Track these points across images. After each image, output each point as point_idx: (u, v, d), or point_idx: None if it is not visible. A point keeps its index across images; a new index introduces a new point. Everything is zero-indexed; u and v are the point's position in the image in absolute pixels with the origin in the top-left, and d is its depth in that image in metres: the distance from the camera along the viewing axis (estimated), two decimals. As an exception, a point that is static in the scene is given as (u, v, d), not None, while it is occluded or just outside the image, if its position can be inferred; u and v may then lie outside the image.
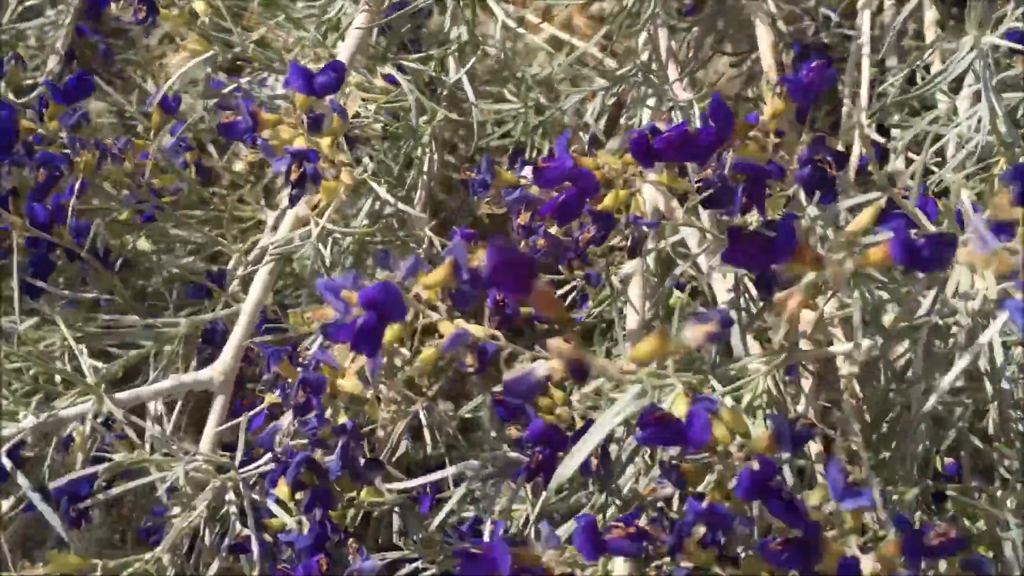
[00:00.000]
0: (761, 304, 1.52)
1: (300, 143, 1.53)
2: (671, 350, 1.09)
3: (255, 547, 1.49)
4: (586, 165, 1.33)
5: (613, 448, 1.45)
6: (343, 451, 1.49)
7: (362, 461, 1.53)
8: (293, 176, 1.52)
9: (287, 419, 1.49)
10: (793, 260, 1.14)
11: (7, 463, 1.44)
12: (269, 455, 1.55)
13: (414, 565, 1.56)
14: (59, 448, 1.54)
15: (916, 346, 1.45)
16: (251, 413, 1.60)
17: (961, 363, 1.27)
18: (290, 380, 1.49)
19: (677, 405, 1.24)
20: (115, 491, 1.49)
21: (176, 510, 1.56)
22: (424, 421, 1.67)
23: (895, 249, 1.12)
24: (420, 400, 1.69)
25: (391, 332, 1.26)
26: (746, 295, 1.55)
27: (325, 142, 1.55)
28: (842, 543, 1.25)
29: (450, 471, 1.49)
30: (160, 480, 1.50)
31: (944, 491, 1.51)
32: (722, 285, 1.65)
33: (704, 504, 1.24)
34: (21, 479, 1.43)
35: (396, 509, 1.64)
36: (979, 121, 1.56)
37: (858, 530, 1.27)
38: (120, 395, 1.56)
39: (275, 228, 1.85)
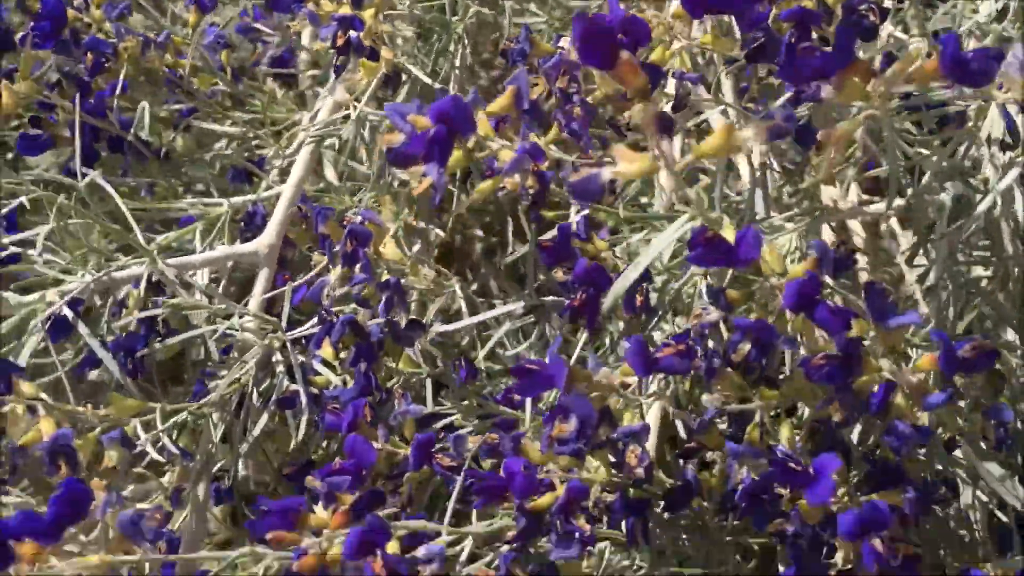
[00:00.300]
0: (794, 167, 1.61)
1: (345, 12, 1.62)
2: (736, 146, 1.17)
3: (303, 396, 1.56)
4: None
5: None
6: (387, 305, 1.56)
7: (403, 322, 1.61)
8: (339, 42, 1.61)
9: (335, 274, 1.57)
10: (848, 71, 1.22)
11: (69, 313, 1.50)
12: (314, 319, 1.62)
13: (451, 419, 1.63)
14: (114, 310, 1.61)
15: (942, 214, 1.54)
16: (295, 283, 1.68)
17: (986, 202, 1.36)
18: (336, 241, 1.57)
19: (726, 231, 1.33)
20: (170, 341, 1.56)
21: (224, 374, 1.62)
22: (460, 294, 1.74)
23: (945, 61, 1.20)
24: (455, 278, 1.78)
25: (455, 156, 1.33)
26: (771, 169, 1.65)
27: (368, 13, 1.64)
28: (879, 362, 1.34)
29: (496, 312, 1.56)
30: (211, 333, 1.57)
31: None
32: (746, 166, 1.74)
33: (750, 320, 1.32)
34: (82, 327, 1.50)
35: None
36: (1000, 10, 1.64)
37: (895, 352, 1.35)
38: (171, 260, 1.63)
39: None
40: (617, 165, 1.20)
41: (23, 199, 1.51)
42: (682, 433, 1.48)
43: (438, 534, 1.37)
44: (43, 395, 1.40)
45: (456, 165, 1.36)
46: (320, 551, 1.28)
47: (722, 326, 1.38)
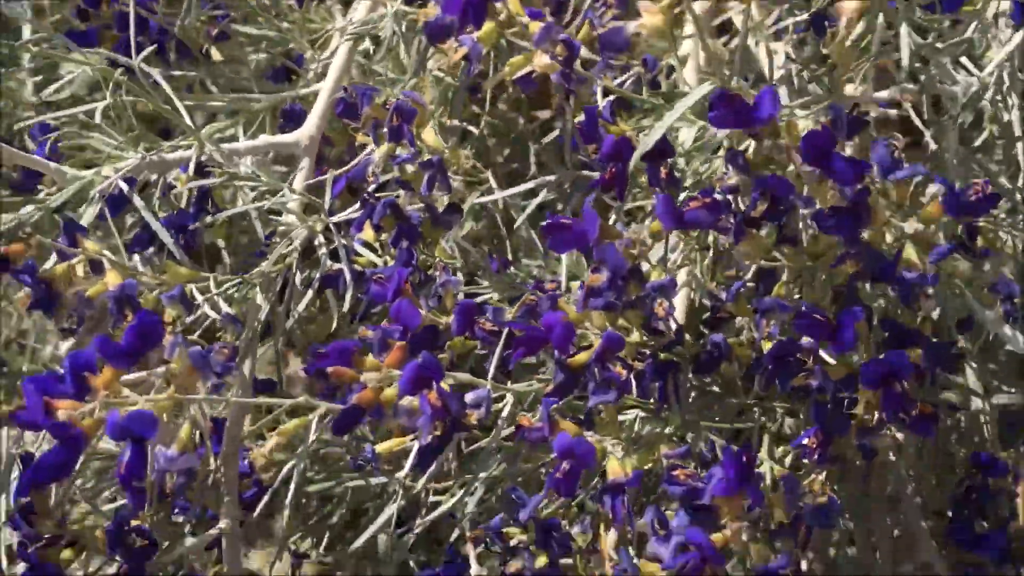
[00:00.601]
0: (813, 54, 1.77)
1: None
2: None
3: (346, 273, 1.71)
4: None
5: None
6: (429, 184, 1.72)
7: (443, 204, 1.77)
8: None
9: (379, 152, 1.72)
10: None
11: (124, 187, 1.66)
12: (356, 205, 1.78)
13: (488, 296, 1.78)
14: (163, 192, 1.76)
15: (954, 103, 1.69)
16: (336, 172, 1.83)
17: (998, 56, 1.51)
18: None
19: (745, 93, 1.49)
20: (220, 215, 1.72)
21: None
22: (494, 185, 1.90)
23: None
24: (487, 172, 1.94)
25: (487, 28, 1.49)
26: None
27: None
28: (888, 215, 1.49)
29: (526, 186, 1.72)
30: (257, 211, 1.72)
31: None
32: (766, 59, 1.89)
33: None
34: (137, 200, 1.65)
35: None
36: None
37: (904, 205, 1.51)
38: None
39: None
40: (642, 18, 1.36)
41: (87, 67, 1.65)
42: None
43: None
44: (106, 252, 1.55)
45: (488, 38, 1.52)
46: (378, 386, 1.44)
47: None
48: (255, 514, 1.75)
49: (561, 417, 1.54)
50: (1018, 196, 1.78)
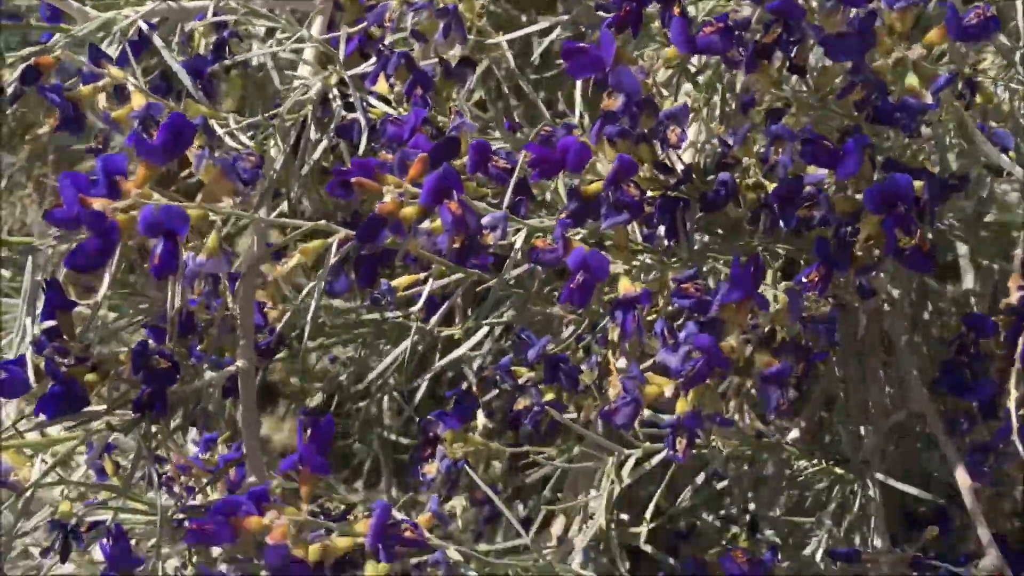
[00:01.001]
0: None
1: None
2: None
3: (361, 120, 1.79)
4: None
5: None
6: (444, 32, 1.80)
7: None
8: None
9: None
10: None
11: (144, 26, 1.74)
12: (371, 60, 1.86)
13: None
14: (182, 40, 1.84)
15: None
16: (352, 30, 1.91)
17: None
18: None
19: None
20: (238, 58, 1.80)
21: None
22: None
23: None
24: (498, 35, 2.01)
25: None
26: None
27: None
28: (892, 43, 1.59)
29: (540, 25, 1.81)
30: (270, 56, 1.81)
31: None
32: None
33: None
34: (157, 40, 1.73)
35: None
36: None
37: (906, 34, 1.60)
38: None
39: None
40: None
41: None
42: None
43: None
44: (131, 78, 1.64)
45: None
46: (399, 200, 1.52)
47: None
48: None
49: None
50: (1017, 55, 1.87)
